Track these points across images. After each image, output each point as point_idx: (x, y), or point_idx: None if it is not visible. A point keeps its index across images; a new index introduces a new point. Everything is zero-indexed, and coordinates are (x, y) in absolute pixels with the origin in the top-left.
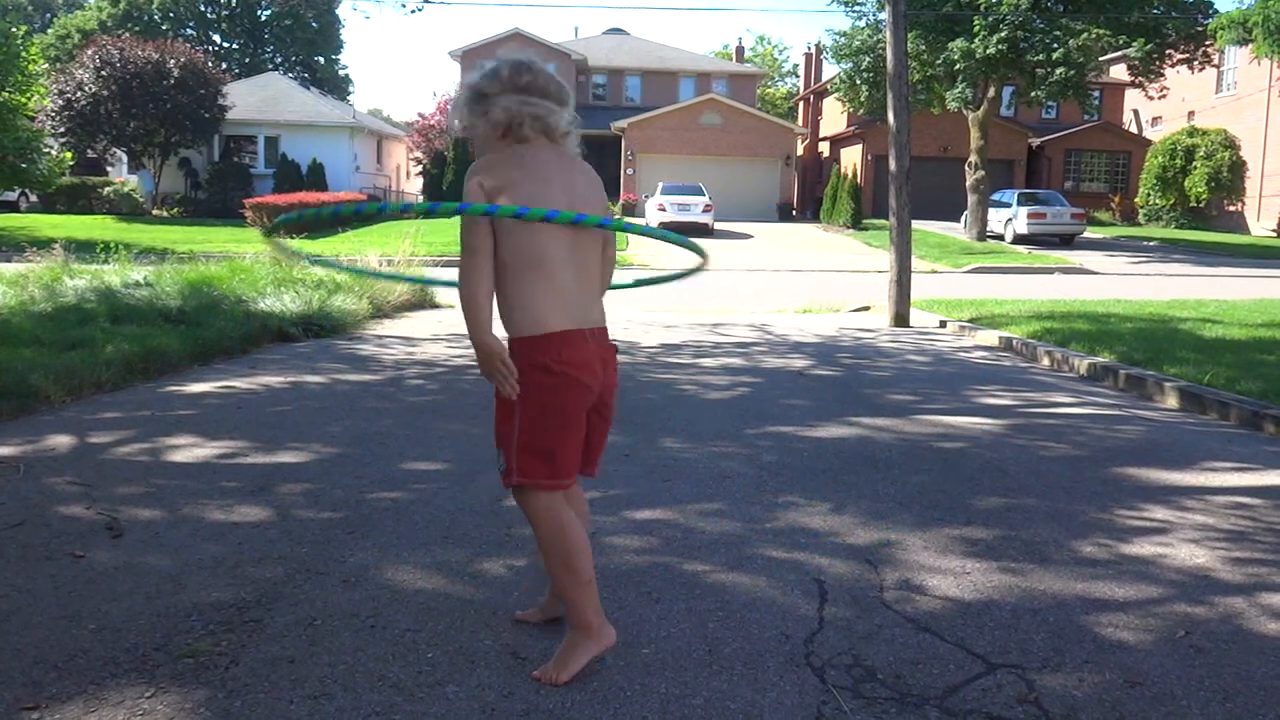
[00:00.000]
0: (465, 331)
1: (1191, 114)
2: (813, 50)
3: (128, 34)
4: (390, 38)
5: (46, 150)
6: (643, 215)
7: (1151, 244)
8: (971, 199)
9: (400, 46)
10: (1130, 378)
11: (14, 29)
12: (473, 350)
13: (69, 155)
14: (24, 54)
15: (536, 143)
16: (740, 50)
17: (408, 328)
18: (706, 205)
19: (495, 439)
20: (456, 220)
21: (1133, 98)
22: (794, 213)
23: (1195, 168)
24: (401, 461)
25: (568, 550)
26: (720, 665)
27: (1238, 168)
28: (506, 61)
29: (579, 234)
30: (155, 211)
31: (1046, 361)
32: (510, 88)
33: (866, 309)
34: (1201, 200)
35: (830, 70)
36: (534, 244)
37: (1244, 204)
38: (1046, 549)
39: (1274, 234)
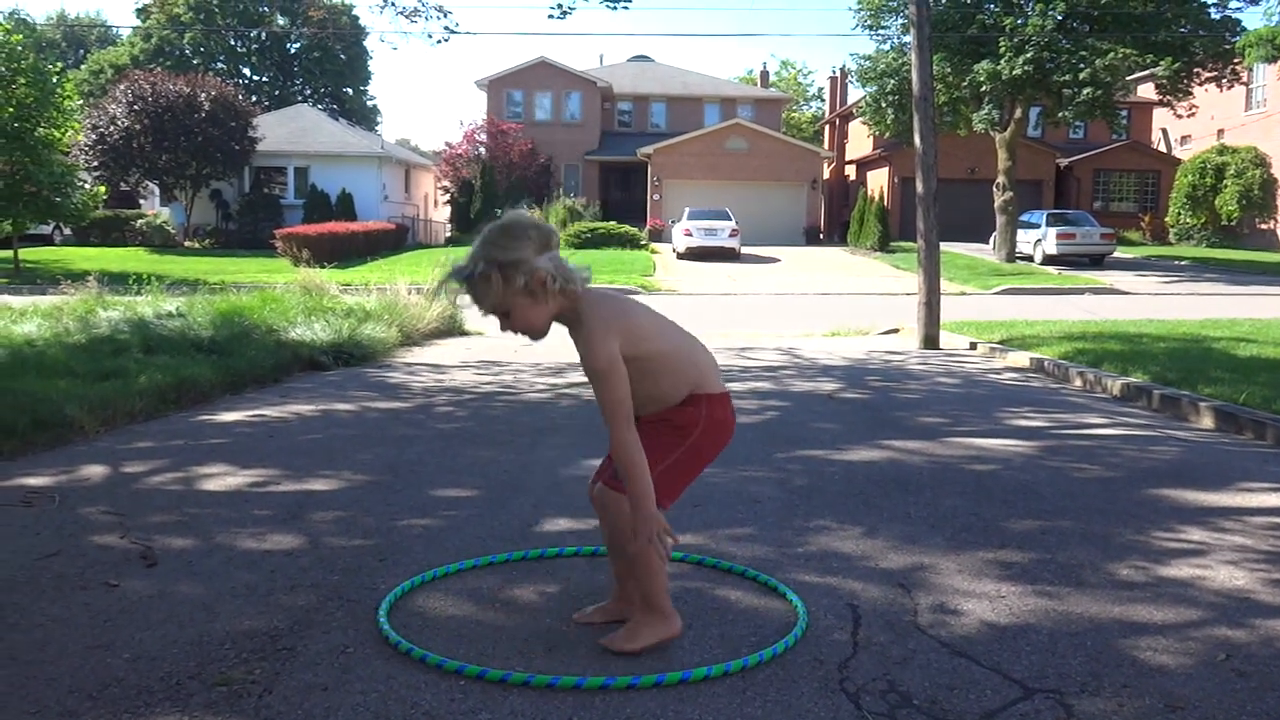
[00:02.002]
0: (494, 359)
1: (1221, 132)
2: (837, 74)
3: (159, 68)
4: (417, 68)
5: (80, 184)
6: (669, 240)
7: (1183, 263)
8: (1000, 220)
9: (427, 77)
10: (1164, 398)
11: (49, 66)
12: (502, 378)
13: (102, 189)
14: (59, 90)
15: (583, 290)
16: (765, 75)
17: (437, 355)
18: (733, 230)
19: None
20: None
21: (1161, 116)
22: (821, 236)
23: (1226, 186)
24: (432, 488)
25: (656, 566)
26: (754, 691)
27: (1269, 185)
28: (522, 225)
29: (679, 332)
30: (187, 243)
31: (1079, 383)
32: (543, 249)
33: (895, 331)
34: (1233, 219)
35: (855, 94)
36: (670, 342)
37: (1276, 222)
38: (1082, 572)
39: None
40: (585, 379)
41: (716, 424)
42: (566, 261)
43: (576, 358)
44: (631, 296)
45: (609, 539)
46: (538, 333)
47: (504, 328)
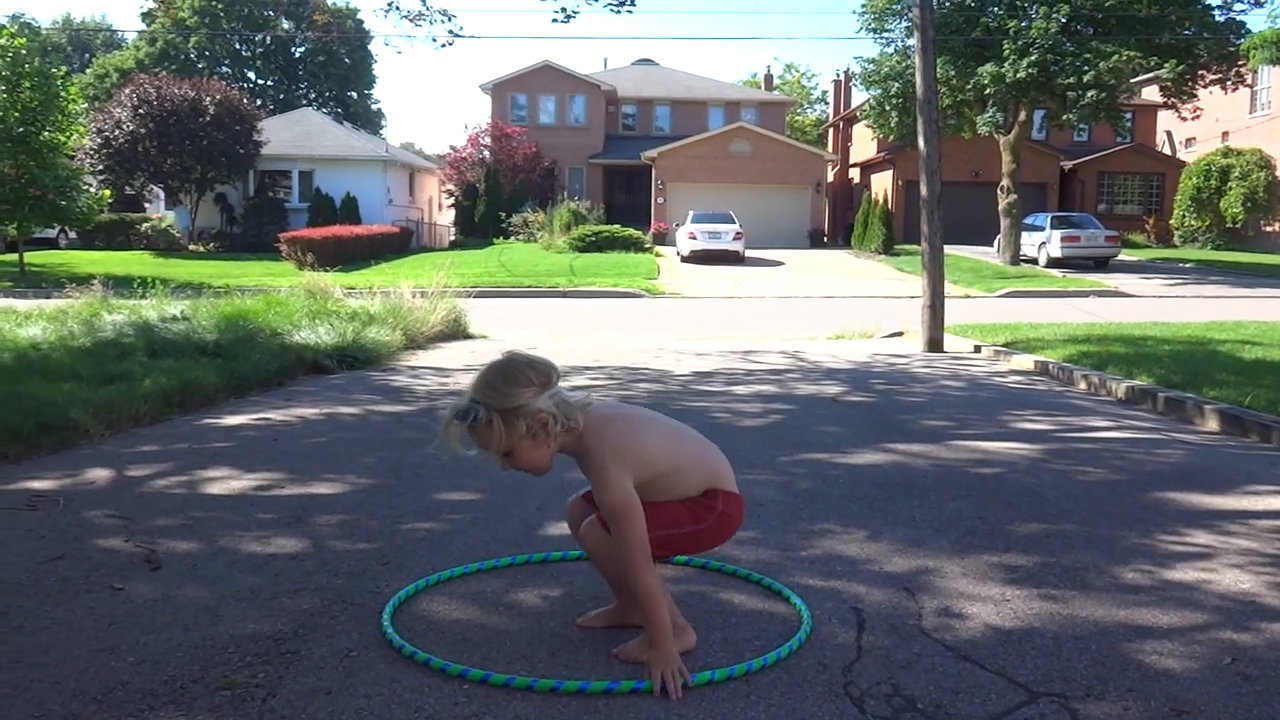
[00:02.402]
0: None
1: (1226, 134)
2: (842, 77)
3: (164, 73)
4: (422, 72)
5: (85, 188)
6: (673, 243)
7: (1187, 266)
8: (1004, 223)
9: (432, 80)
10: (1169, 401)
11: (54, 70)
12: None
13: (107, 193)
14: (64, 94)
15: (584, 421)
16: (769, 78)
17: (441, 358)
18: (737, 233)
19: None
20: (489, 253)
21: (1166, 119)
22: (825, 239)
23: (1230, 188)
24: (435, 492)
25: (660, 594)
26: (757, 695)
27: (1274, 188)
28: (519, 368)
29: (682, 430)
30: (192, 247)
31: (1083, 385)
32: (542, 390)
33: (900, 334)
34: (1237, 221)
35: (859, 97)
36: (677, 454)
37: None
38: (1087, 575)
39: None
40: (588, 384)
41: (726, 519)
42: (566, 395)
43: (579, 362)
44: (626, 407)
45: (599, 568)
46: (542, 472)
47: (504, 466)
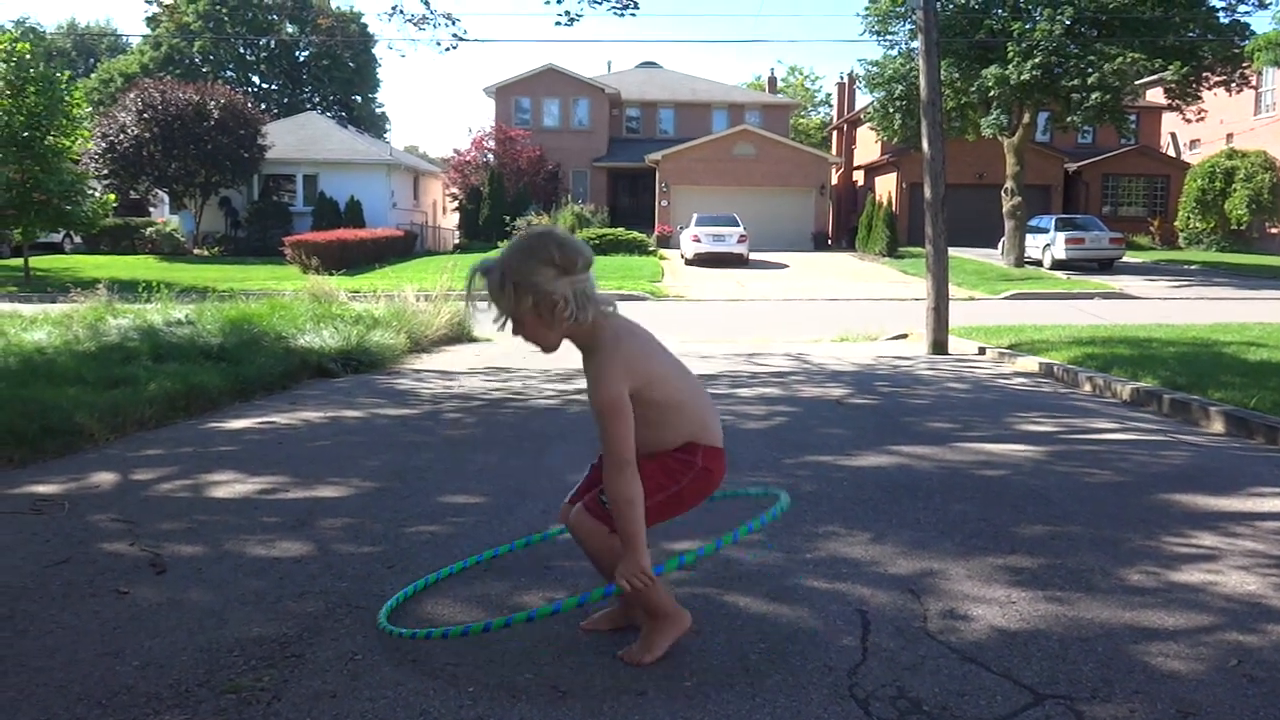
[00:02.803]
0: (502, 365)
1: (1230, 136)
2: (845, 80)
3: (169, 77)
4: (426, 76)
5: (90, 192)
6: (678, 246)
7: (1192, 267)
8: (1008, 225)
9: (436, 84)
10: (1174, 402)
11: (59, 74)
12: (510, 384)
13: (112, 197)
14: (68, 99)
15: (600, 319)
16: (773, 81)
17: (445, 362)
18: (741, 236)
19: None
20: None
21: (1170, 121)
22: (829, 242)
23: (1235, 190)
24: (440, 495)
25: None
26: (763, 698)
27: (1279, 189)
28: (547, 243)
29: (690, 375)
30: (196, 251)
31: (1088, 387)
32: (564, 273)
33: (904, 337)
34: (1242, 223)
35: (863, 99)
36: (673, 389)
37: None
38: (1093, 577)
39: None
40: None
41: (707, 475)
42: (590, 289)
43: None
44: (645, 329)
45: (594, 562)
46: (547, 349)
47: (515, 333)
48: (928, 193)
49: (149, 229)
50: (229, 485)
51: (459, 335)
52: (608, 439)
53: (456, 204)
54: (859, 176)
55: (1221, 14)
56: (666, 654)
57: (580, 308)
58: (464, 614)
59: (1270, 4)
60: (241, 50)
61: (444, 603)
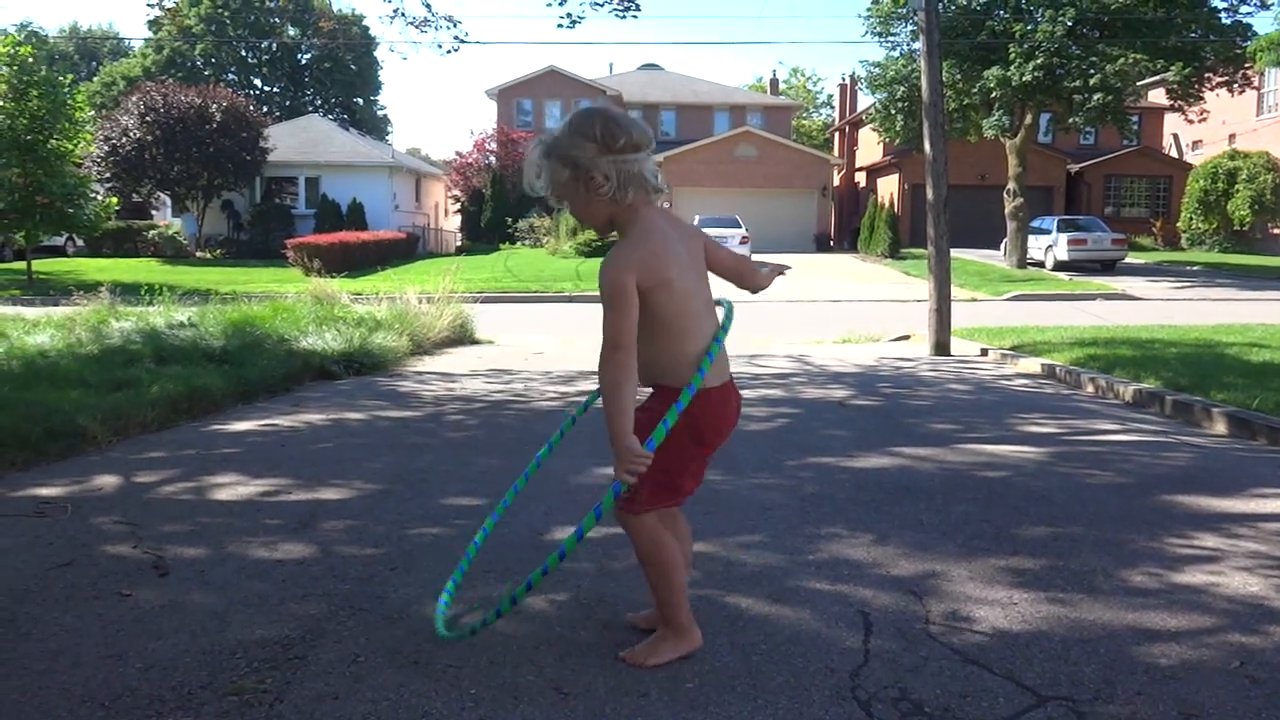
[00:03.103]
0: (505, 367)
1: (1232, 137)
2: (847, 81)
3: (171, 80)
4: (428, 78)
5: (93, 195)
6: None
7: (1195, 268)
8: (1011, 226)
9: (437, 86)
10: (1177, 404)
11: (61, 78)
12: (513, 387)
13: (114, 200)
14: (71, 102)
15: (643, 206)
16: (774, 83)
17: (447, 364)
18: (743, 237)
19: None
20: (495, 258)
21: (1172, 122)
22: (831, 243)
23: (1237, 191)
24: (442, 497)
25: (665, 561)
26: (765, 699)
27: None
28: (593, 120)
29: (701, 285)
30: (199, 253)
31: (1090, 388)
32: (605, 150)
33: (906, 338)
34: (1245, 224)
35: (865, 101)
36: (686, 310)
37: None
38: (1095, 578)
39: None
40: (594, 386)
41: (692, 422)
42: (641, 172)
43: (586, 367)
44: (689, 233)
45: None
46: (592, 227)
47: (571, 211)
48: (930, 194)
49: (151, 232)
50: (231, 487)
51: (461, 337)
52: (605, 324)
53: (459, 206)
54: (861, 178)
55: (1223, 15)
56: (667, 662)
57: (620, 187)
58: (466, 615)
59: (1272, 4)
60: (243, 53)
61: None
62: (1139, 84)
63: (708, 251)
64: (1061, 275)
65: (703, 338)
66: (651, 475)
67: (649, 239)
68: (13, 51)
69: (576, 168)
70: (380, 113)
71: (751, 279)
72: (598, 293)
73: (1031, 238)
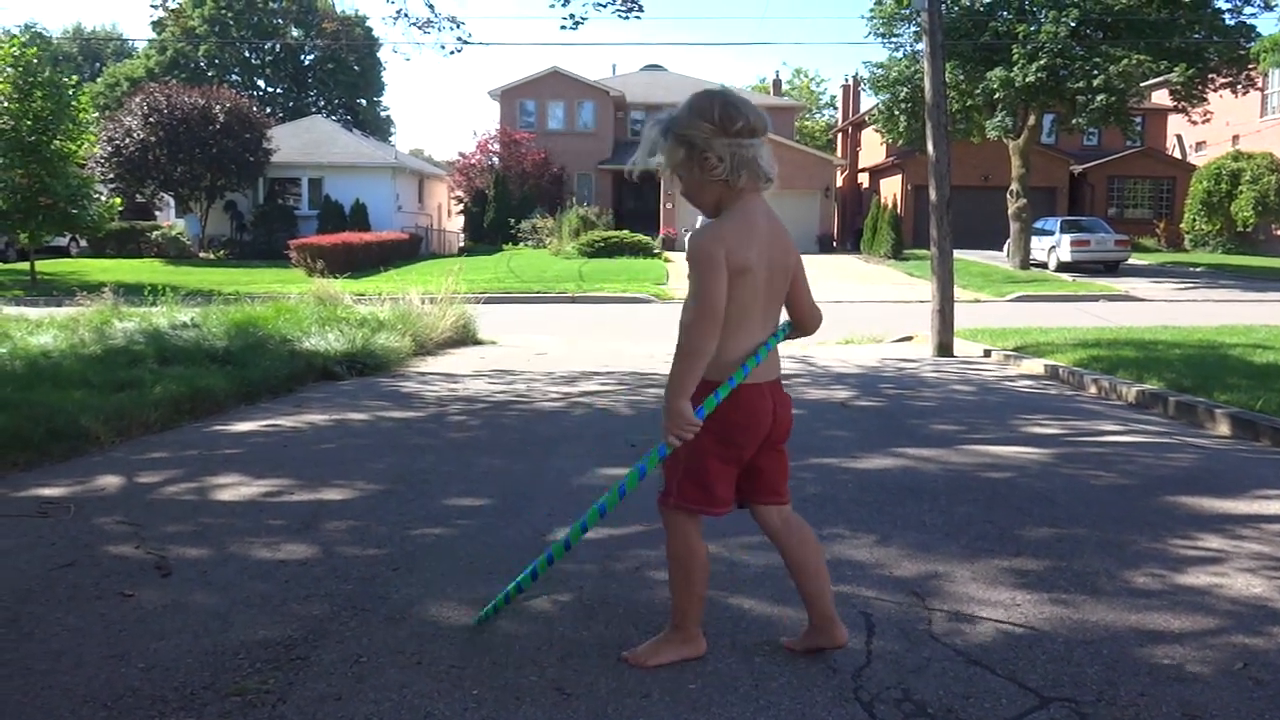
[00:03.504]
0: (507, 368)
1: (1236, 138)
2: (850, 82)
3: (174, 81)
4: (431, 79)
5: (96, 196)
6: (683, 249)
7: (1198, 269)
8: (1014, 227)
9: (440, 87)
10: (1180, 405)
11: (65, 79)
12: (515, 387)
13: (118, 201)
14: (75, 103)
15: (750, 194)
16: (777, 83)
17: (450, 364)
18: None
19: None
20: (498, 259)
21: (1176, 123)
22: (834, 244)
23: (1241, 192)
24: (444, 497)
25: (691, 565)
26: (767, 700)
27: None
28: (712, 101)
29: (771, 290)
30: (202, 254)
31: (1094, 390)
32: (721, 132)
33: (909, 339)
34: (1248, 225)
35: (868, 102)
36: (750, 308)
37: None
38: (1098, 580)
39: None
40: (598, 389)
41: (722, 419)
42: (756, 157)
43: (588, 367)
44: (774, 230)
45: (793, 565)
46: (703, 211)
47: (681, 191)
48: (933, 195)
49: (154, 232)
50: (234, 488)
51: (464, 338)
52: (700, 290)
53: (461, 207)
54: (864, 179)
55: (1227, 16)
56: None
57: (733, 170)
58: (466, 616)
59: (1276, 5)
60: (247, 54)
61: (447, 604)
62: (1142, 85)
63: (795, 275)
64: (1064, 276)
65: (753, 340)
66: (684, 462)
67: (746, 223)
68: (19, 52)
69: (692, 147)
70: (383, 114)
71: (806, 325)
72: (686, 264)
73: (1035, 239)
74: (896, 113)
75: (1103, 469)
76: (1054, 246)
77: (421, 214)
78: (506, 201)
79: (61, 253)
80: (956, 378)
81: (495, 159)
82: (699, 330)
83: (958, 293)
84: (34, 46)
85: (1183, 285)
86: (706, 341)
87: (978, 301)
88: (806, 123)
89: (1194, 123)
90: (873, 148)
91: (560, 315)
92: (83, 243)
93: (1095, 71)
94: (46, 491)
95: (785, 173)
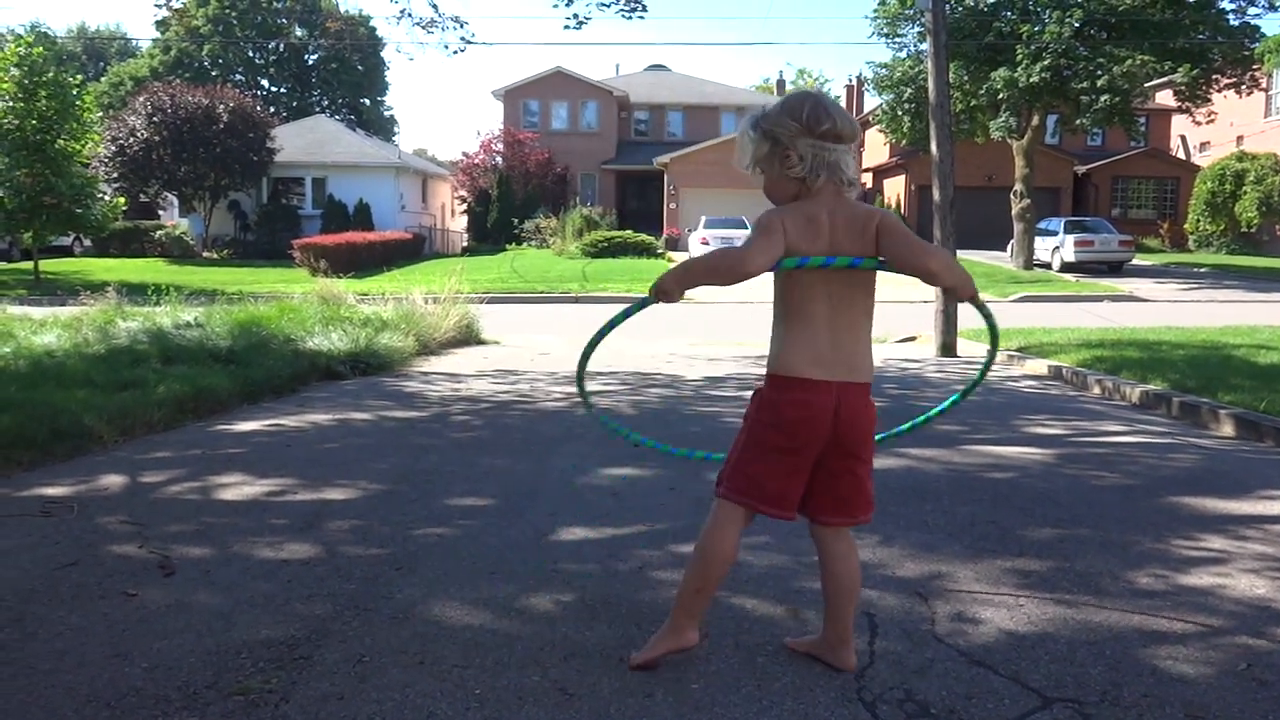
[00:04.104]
0: (510, 368)
1: (1240, 138)
2: (854, 82)
3: (178, 80)
4: (435, 79)
5: (100, 196)
6: (686, 249)
7: (1202, 270)
8: (1018, 228)
9: (444, 87)
10: (1183, 405)
11: (70, 79)
12: (518, 387)
13: (122, 200)
14: (79, 103)
15: (825, 192)
16: (781, 84)
17: (453, 364)
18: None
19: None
20: (502, 259)
21: (1180, 123)
22: None
23: (1245, 192)
24: (447, 497)
25: (711, 561)
26: (770, 700)
27: None
28: (803, 101)
29: (834, 285)
30: (205, 254)
31: (1097, 390)
32: (806, 132)
33: (913, 339)
34: (1252, 225)
35: (872, 102)
36: (800, 293)
37: None
38: (1101, 580)
39: None
40: (601, 389)
41: (772, 408)
42: (839, 161)
43: (591, 367)
44: (836, 229)
45: (827, 577)
46: (774, 202)
47: (763, 186)
48: (936, 195)
49: (158, 232)
50: (237, 487)
51: (467, 338)
52: (747, 239)
53: (465, 207)
54: (868, 179)
55: (1231, 16)
56: (669, 660)
57: (812, 170)
58: (469, 616)
59: None
60: (250, 54)
61: (450, 605)
62: (1146, 85)
63: (881, 243)
64: (1068, 276)
65: (816, 337)
66: (738, 450)
67: (807, 216)
68: (26, 51)
69: (776, 143)
70: (387, 113)
71: (924, 275)
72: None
73: (1038, 239)
74: (900, 113)
75: (1106, 469)
76: (1058, 247)
77: (425, 214)
78: (510, 201)
79: (65, 252)
80: (960, 378)
81: (499, 159)
82: (724, 257)
83: None
84: (41, 47)
85: (1187, 286)
86: (723, 264)
87: None
88: None
89: (1198, 123)
90: (876, 148)
91: (563, 315)
92: (86, 242)
93: (1099, 72)
94: (50, 491)
95: None
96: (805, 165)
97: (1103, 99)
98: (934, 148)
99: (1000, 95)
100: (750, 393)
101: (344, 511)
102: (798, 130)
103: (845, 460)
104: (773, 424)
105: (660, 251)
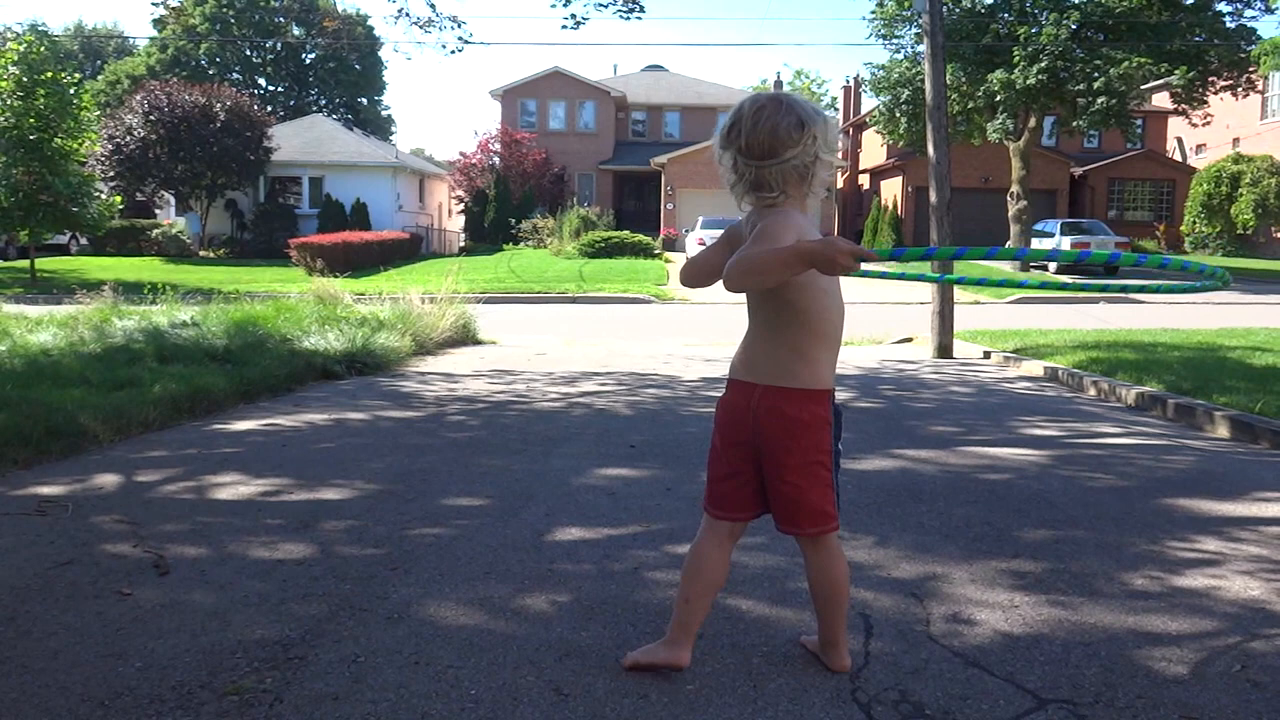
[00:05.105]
0: (507, 368)
1: (1236, 140)
2: (851, 83)
3: (175, 79)
4: (432, 78)
5: (97, 194)
6: (683, 249)
7: None
8: (1014, 229)
9: (442, 87)
10: (1179, 407)
11: (67, 77)
12: (515, 387)
13: (118, 199)
14: (76, 101)
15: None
16: (779, 84)
17: (450, 364)
18: None
19: None
20: (498, 258)
21: (1176, 125)
22: None
23: (1241, 194)
24: (443, 497)
25: (688, 569)
26: (765, 701)
27: None
28: (826, 118)
29: (756, 293)
30: (202, 252)
31: (1093, 392)
32: (826, 146)
33: (909, 340)
34: (1248, 227)
35: (869, 103)
36: (828, 308)
37: None
38: (1096, 581)
39: None
40: (597, 389)
41: (722, 406)
42: (823, 184)
43: (588, 367)
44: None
45: (811, 582)
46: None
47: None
48: (933, 196)
49: (155, 231)
50: (232, 487)
51: (464, 338)
52: (763, 242)
53: (462, 207)
54: (865, 180)
55: (1228, 18)
56: (649, 670)
57: (810, 183)
58: (466, 616)
59: (1276, 8)
60: (248, 52)
61: (446, 605)
62: (1143, 87)
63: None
64: (1064, 278)
65: (837, 348)
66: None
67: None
68: (26, 49)
69: (817, 160)
70: (384, 113)
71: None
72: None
73: (1035, 241)
74: (897, 114)
75: (1101, 471)
76: (1054, 249)
77: (422, 213)
78: (507, 201)
79: (61, 250)
80: (955, 379)
81: (496, 159)
82: (741, 269)
83: (957, 294)
84: (41, 45)
85: None
86: (746, 264)
87: (977, 303)
88: None
89: (1194, 125)
90: (873, 149)
91: (560, 315)
92: (83, 241)
93: (1096, 74)
94: (45, 490)
95: None
96: (810, 175)
97: (1099, 101)
98: (931, 149)
99: (997, 97)
100: None
101: (339, 511)
102: (821, 143)
103: (774, 466)
104: (715, 425)
105: (657, 252)
